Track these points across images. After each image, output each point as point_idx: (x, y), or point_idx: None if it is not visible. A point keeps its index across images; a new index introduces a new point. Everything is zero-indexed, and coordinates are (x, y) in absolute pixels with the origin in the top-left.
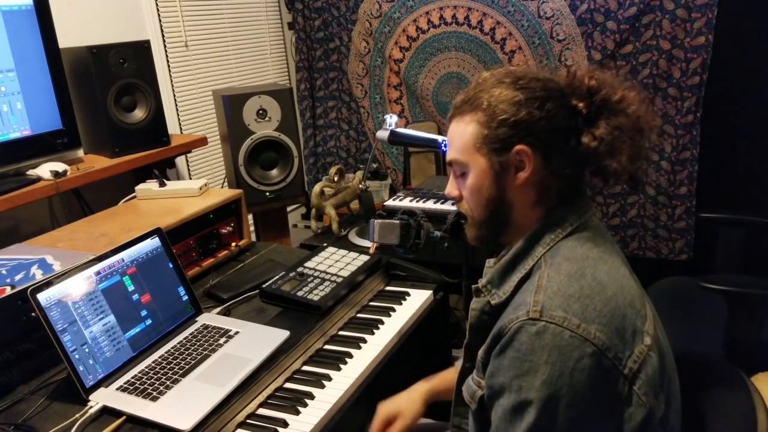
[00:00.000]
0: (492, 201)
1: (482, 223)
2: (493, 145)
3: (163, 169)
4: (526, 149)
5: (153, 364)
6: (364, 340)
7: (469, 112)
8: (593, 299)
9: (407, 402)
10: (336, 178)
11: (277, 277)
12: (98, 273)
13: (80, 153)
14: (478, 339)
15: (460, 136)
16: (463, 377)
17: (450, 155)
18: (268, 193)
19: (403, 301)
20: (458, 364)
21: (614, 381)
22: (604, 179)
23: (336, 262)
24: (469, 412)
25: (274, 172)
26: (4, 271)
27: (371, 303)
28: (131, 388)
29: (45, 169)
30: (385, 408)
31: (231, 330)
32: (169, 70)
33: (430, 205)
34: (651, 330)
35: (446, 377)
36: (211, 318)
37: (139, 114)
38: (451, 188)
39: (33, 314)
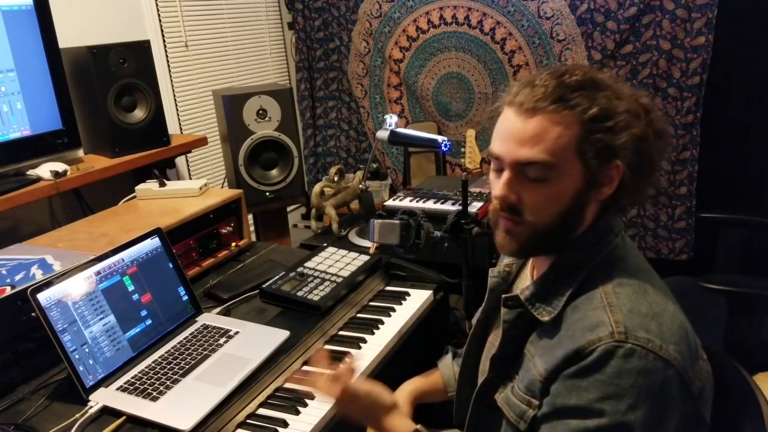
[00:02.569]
0: (569, 212)
1: (544, 233)
2: (601, 151)
3: (163, 169)
4: (620, 165)
5: (153, 364)
6: (364, 340)
7: (567, 111)
8: (663, 317)
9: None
10: (336, 178)
11: (277, 277)
12: (98, 273)
13: (80, 153)
14: (507, 351)
15: (557, 136)
16: (486, 389)
17: (528, 154)
18: (268, 193)
19: (403, 301)
20: (446, 360)
21: (687, 400)
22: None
23: (336, 262)
24: (506, 427)
25: (274, 172)
26: (4, 271)
27: (371, 303)
28: (131, 388)
29: (45, 169)
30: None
31: (231, 330)
32: (169, 70)
33: (430, 205)
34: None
35: (431, 378)
36: (211, 318)
37: (139, 114)
38: (508, 191)
39: (33, 314)
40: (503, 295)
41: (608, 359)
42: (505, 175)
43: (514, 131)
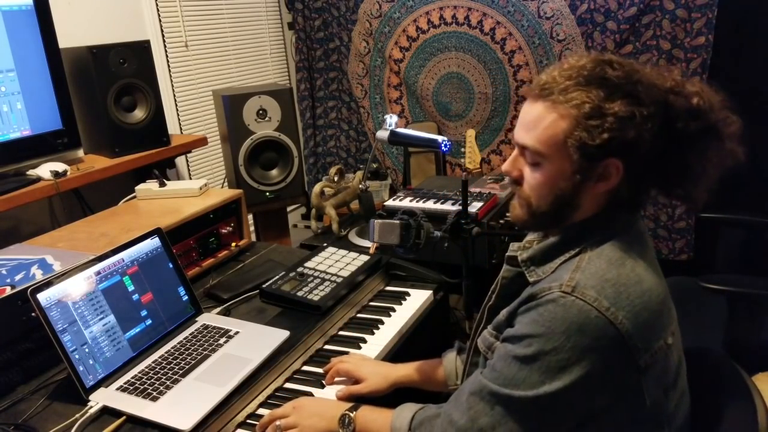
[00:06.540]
0: (560, 200)
1: (540, 215)
2: (587, 151)
3: (163, 169)
4: (619, 164)
5: (153, 364)
6: (364, 340)
7: (564, 104)
8: (628, 288)
9: (375, 376)
10: (336, 178)
11: (277, 277)
12: (98, 273)
13: (80, 153)
14: (504, 303)
15: (548, 126)
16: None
17: (525, 139)
18: (268, 193)
19: (403, 301)
20: (450, 354)
21: (625, 368)
22: (666, 197)
23: (336, 262)
24: (482, 362)
25: (274, 172)
26: (4, 271)
27: (371, 303)
28: (131, 388)
29: (45, 169)
30: (350, 366)
31: (231, 330)
32: (169, 70)
33: (430, 205)
34: (676, 330)
35: (422, 368)
36: (211, 318)
37: (139, 114)
38: (510, 167)
39: (33, 314)
40: (506, 254)
41: (548, 304)
42: (513, 152)
43: (523, 113)
